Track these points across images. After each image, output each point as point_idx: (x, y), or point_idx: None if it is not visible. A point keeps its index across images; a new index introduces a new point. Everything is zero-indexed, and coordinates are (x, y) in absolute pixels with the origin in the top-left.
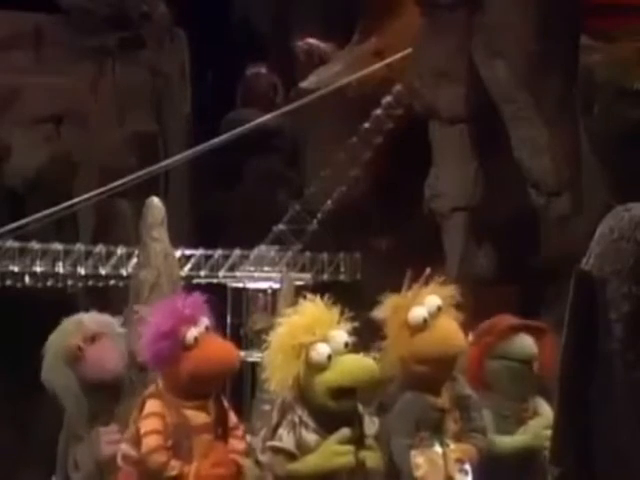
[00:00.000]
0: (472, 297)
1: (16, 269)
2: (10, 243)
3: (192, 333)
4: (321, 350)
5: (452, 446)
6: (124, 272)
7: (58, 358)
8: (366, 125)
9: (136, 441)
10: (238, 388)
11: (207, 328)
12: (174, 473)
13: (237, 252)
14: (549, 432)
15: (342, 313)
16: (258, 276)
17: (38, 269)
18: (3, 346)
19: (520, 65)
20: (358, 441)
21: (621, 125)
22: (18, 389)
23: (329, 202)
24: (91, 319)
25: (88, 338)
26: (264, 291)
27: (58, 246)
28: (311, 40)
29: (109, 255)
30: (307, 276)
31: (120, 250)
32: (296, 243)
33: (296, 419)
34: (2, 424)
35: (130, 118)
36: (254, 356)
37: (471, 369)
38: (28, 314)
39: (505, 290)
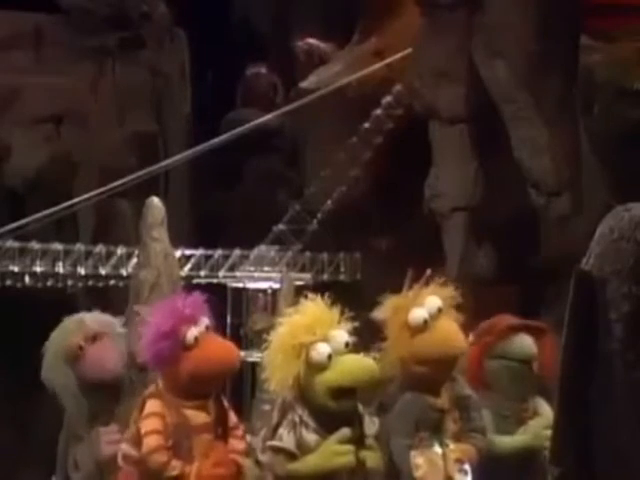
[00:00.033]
0: (472, 297)
1: (16, 269)
2: (10, 243)
3: (192, 333)
4: (321, 350)
5: (452, 446)
6: (124, 272)
7: (58, 357)
8: (366, 125)
9: (137, 441)
10: (238, 388)
11: (207, 328)
12: (175, 473)
13: (237, 252)
14: (549, 432)
15: (342, 313)
16: (258, 276)
17: (38, 269)
18: (3, 346)
19: (520, 65)
20: (358, 441)
21: (621, 125)
22: (18, 389)
23: (329, 202)
24: (93, 319)
25: (89, 337)
26: (264, 291)
27: (58, 246)
28: (311, 40)
29: (109, 255)
30: (307, 276)
31: (120, 250)
32: (296, 243)
33: (296, 419)
34: (2, 424)
35: (130, 118)
36: (254, 356)
37: (471, 369)
38: (28, 314)
39: (505, 290)
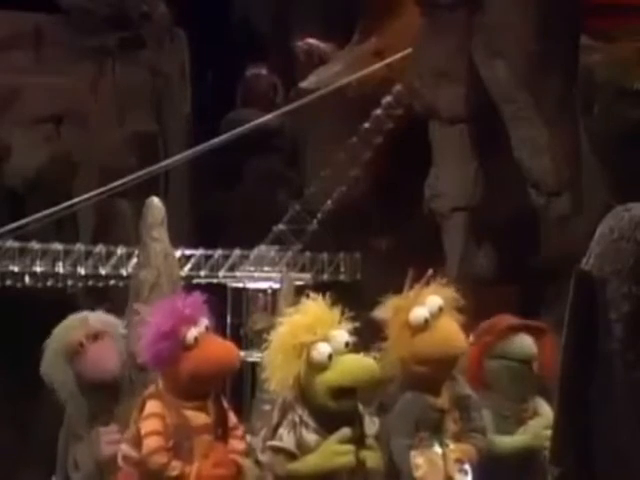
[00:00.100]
0: (472, 297)
1: (16, 269)
2: (10, 243)
3: (192, 333)
4: (322, 350)
5: (452, 446)
6: (124, 272)
7: (58, 353)
8: (366, 125)
9: (137, 442)
10: (238, 388)
11: (207, 328)
12: (175, 474)
13: (237, 252)
14: (549, 432)
15: (342, 313)
16: (258, 276)
17: (38, 269)
18: (3, 346)
19: (520, 65)
20: (358, 441)
21: (621, 125)
22: (18, 389)
23: (329, 202)
24: (96, 317)
25: (91, 335)
26: (264, 291)
27: (58, 246)
28: (311, 40)
29: (109, 255)
30: (307, 276)
31: (120, 250)
32: (296, 243)
33: (296, 419)
34: (2, 424)
35: (130, 118)
36: (254, 356)
37: (471, 369)
38: (28, 314)
39: (505, 290)
